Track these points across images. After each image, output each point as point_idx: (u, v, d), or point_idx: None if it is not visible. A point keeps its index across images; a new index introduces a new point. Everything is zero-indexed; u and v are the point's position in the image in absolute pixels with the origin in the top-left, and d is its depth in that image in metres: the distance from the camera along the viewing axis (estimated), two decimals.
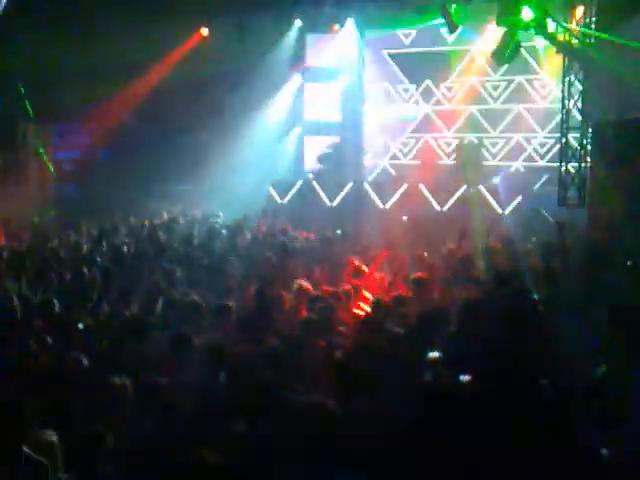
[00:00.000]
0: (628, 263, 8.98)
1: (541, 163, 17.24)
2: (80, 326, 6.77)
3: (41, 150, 17.73)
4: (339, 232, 13.07)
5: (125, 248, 11.17)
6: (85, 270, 9.21)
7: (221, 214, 15.01)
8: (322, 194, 17.50)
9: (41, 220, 14.87)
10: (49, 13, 14.85)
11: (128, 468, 4.59)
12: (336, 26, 17.57)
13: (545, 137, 17.22)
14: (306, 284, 8.17)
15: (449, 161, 18.28)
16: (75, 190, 18.14)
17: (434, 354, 5.96)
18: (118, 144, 17.25)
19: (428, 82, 18.69)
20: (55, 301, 7.43)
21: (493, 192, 15.70)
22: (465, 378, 5.59)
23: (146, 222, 13.78)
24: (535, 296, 7.30)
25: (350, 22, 17.54)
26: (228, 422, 4.89)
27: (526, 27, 13.00)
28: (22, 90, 16.31)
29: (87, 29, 15.68)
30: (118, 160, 17.54)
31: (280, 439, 4.45)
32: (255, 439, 4.66)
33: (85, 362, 5.75)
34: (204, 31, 16.92)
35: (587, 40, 12.97)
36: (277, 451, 4.37)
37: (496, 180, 16.22)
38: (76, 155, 18.83)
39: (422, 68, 18.45)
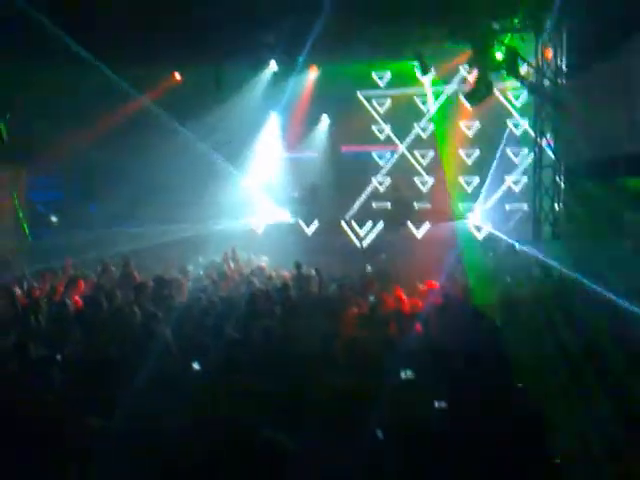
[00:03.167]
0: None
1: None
2: None
3: (16, 200, 17.58)
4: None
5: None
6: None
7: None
8: (301, 232, 17.67)
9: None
10: (19, 51, 14.76)
11: None
12: (314, 66, 17.80)
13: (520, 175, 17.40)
14: None
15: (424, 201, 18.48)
16: (50, 232, 17.94)
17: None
18: (89, 185, 17.19)
19: (402, 123, 18.89)
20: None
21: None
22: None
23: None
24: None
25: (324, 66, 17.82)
26: None
27: (497, 68, 13.28)
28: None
29: (58, 67, 15.63)
30: (90, 201, 17.51)
31: None
32: None
33: None
34: (177, 76, 17.09)
35: (558, 81, 13.22)
36: None
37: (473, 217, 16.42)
38: (49, 196, 18.72)
39: (397, 109, 18.70)
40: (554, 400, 5.91)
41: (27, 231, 17.72)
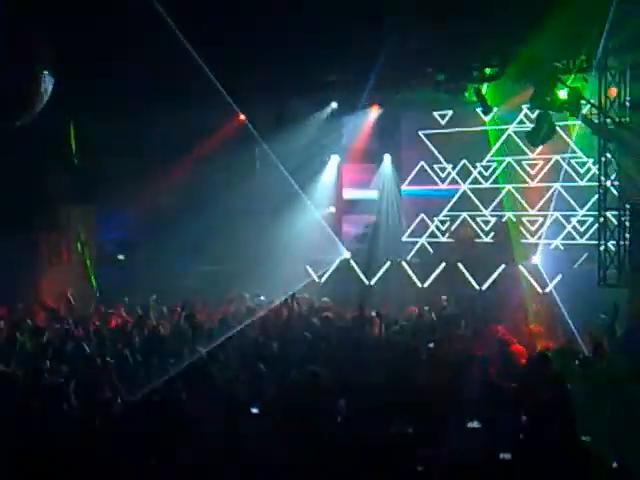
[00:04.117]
0: None
1: (580, 241, 17.05)
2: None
3: (82, 240, 18.02)
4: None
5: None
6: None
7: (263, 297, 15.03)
8: (360, 273, 17.59)
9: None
10: (91, 96, 15.26)
11: None
12: (375, 106, 17.88)
13: (584, 215, 17.07)
14: None
15: (487, 239, 18.26)
16: (117, 272, 18.31)
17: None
18: (158, 225, 17.50)
19: (464, 161, 18.83)
20: None
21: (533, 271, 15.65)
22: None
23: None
24: None
25: (387, 104, 17.90)
26: None
27: (560, 109, 13.17)
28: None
29: (128, 111, 16.10)
30: (157, 241, 17.84)
31: None
32: None
33: None
34: (242, 117, 17.43)
35: (621, 120, 13.01)
36: None
37: (535, 259, 16.13)
38: (117, 237, 19.13)
39: (458, 148, 18.66)
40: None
41: (94, 283, 18.08)
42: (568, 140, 16.35)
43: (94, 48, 12.98)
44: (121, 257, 19.15)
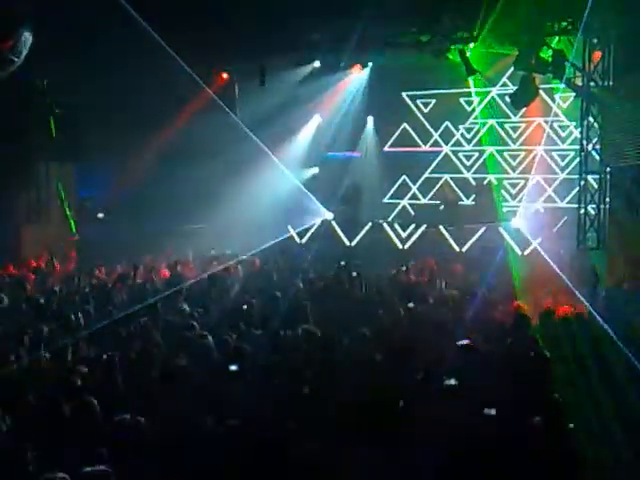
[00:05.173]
0: None
1: (561, 204, 17.17)
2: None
3: (62, 195, 17.91)
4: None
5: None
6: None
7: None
8: (341, 234, 17.66)
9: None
10: (74, 55, 15.00)
11: None
12: (357, 66, 17.74)
13: (565, 178, 17.17)
14: None
15: (468, 202, 18.33)
16: (97, 230, 18.23)
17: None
18: (138, 183, 17.38)
19: (447, 123, 18.82)
20: None
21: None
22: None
23: None
24: None
25: (369, 64, 17.79)
26: None
27: (544, 71, 13.14)
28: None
29: (110, 72, 15.86)
30: (138, 199, 17.75)
31: None
32: None
33: None
34: (225, 75, 17.24)
35: (605, 84, 13.02)
36: None
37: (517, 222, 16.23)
38: (97, 194, 19.01)
39: (441, 110, 18.63)
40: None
41: (74, 228, 18.04)
42: (551, 103, 16.36)
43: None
44: (101, 215, 19.04)
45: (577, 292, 10.10)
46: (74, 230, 18.00)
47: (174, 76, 14.40)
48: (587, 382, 6.42)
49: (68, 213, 17.99)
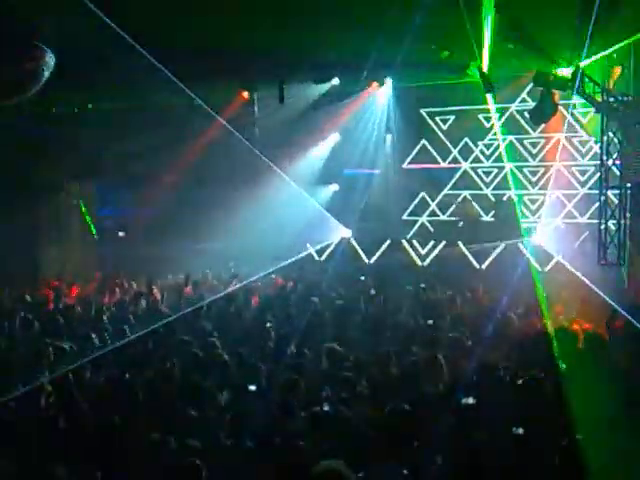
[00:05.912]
0: None
1: (581, 220, 17.03)
2: None
3: (83, 209, 18.08)
4: None
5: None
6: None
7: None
8: (360, 251, 17.63)
9: None
10: (93, 73, 15.15)
11: None
12: (375, 83, 17.77)
13: (585, 194, 17.05)
14: None
15: (488, 218, 18.23)
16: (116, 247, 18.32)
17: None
18: (159, 203, 17.45)
19: (466, 139, 18.77)
20: None
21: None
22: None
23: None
24: None
25: (388, 81, 17.81)
26: None
27: (563, 87, 13.07)
28: None
29: (131, 89, 15.98)
30: (158, 218, 17.83)
31: None
32: None
33: None
34: (245, 94, 17.32)
35: (625, 99, 12.94)
36: None
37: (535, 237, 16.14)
38: (117, 213, 19.13)
39: (460, 126, 18.59)
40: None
41: (94, 231, 18.20)
42: (570, 119, 16.28)
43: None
44: (122, 234, 19.15)
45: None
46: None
47: (195, 98, 14.50)
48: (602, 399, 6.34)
49: (88, 219, 18.15)
